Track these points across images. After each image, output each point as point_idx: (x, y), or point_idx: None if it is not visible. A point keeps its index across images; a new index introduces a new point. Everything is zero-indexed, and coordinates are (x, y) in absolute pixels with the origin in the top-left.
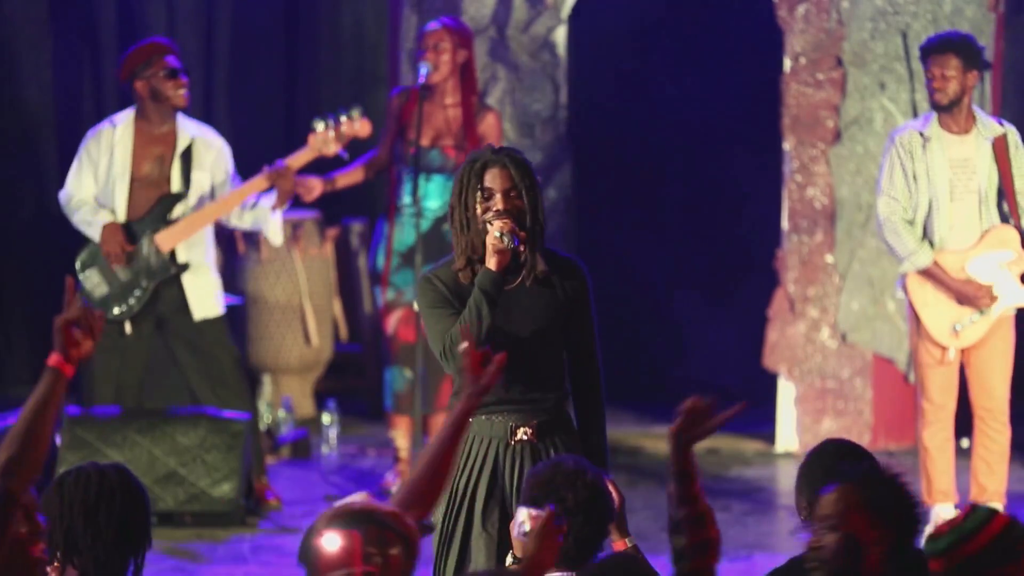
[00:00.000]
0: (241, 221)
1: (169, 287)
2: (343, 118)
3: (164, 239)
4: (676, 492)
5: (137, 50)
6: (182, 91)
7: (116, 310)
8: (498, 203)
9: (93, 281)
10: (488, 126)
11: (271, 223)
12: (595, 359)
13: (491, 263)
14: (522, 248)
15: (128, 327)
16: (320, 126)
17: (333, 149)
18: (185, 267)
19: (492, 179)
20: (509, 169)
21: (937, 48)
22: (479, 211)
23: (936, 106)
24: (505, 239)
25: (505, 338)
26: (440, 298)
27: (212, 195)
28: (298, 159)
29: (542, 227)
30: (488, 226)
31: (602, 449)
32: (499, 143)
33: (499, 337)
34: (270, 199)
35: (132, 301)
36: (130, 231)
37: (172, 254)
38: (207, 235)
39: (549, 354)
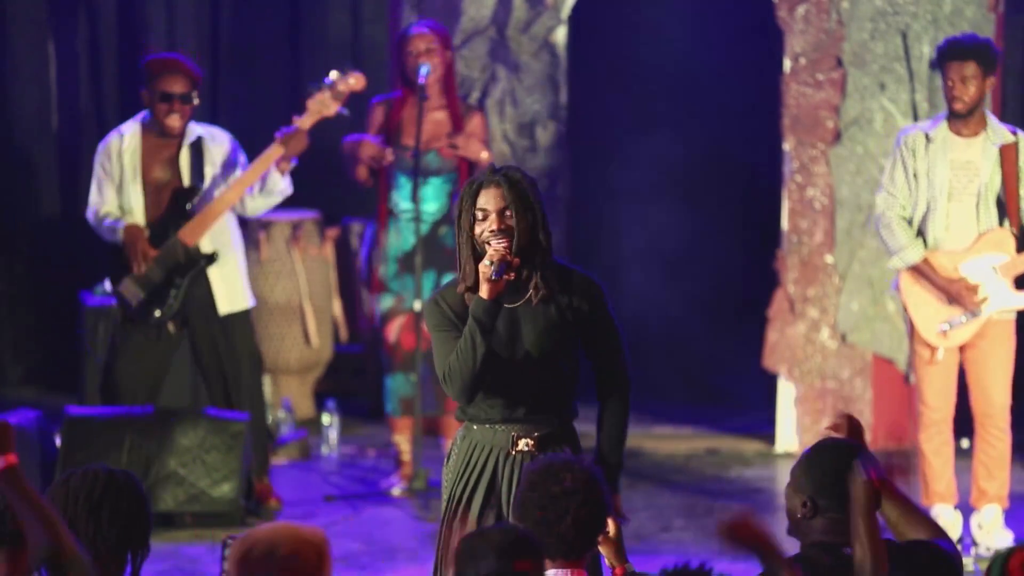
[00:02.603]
0: (255, 204)
1: (198, 282)
2: (336, 76)
3: (188, 233)
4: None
5: (151, 61)
6: (173, 115)
7: (157, 312)
8: (492, 223)
9: (130, 290)
10: (475, 126)
11: (280, 181)
12: (618, 374)
13: (482, 291)
14: (508, 277)
15: (172, 327)
16: (315, 90)
17: (333, 109)
18: (214, 257)
19: (486, 200)
20: (502, 188)
21: (957, 54)
22: (476, 232)
23: (955, 113)
24: (491, 268)
25: (508, 357)
26: (445, 321)
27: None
28: (305, 122)
29: (545, 245)
30: (486, 247)
31: (613, 465)
32: (485, 141)
33: (502, 356)
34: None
35: (171, 300)
36: (154, 233)
37: (198, 247)
38: (232, 226)
39: (554, 374)
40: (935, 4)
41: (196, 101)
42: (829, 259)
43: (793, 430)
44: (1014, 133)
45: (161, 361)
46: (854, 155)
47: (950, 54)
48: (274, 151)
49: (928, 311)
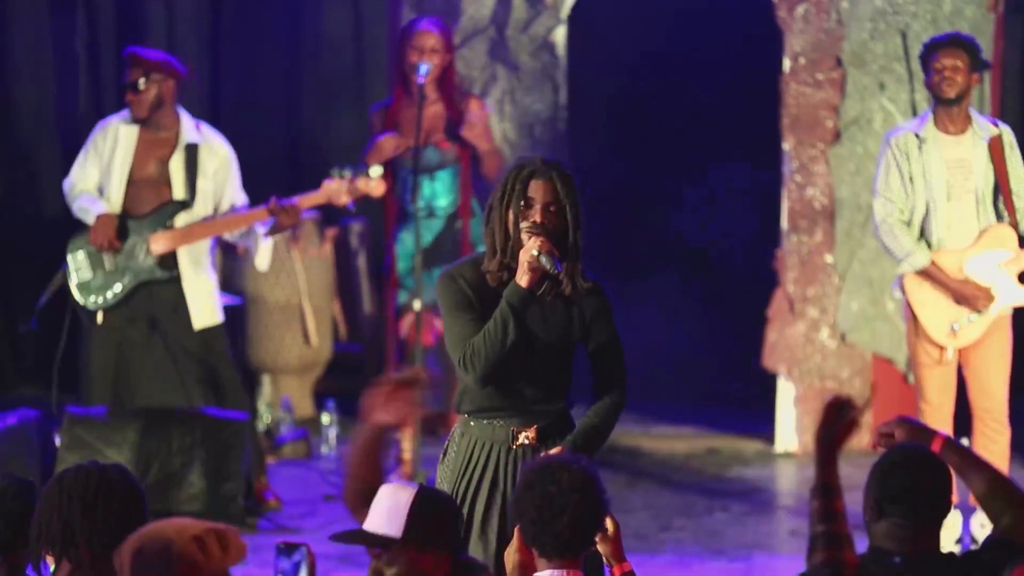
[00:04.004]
0: (232, 236)
1: (166, 290)
2: (361, 175)
3: (157, 241)
4: (818, 508)
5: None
6: (132, 105)
7: (92, 298)
8: (536, 215)
9: (79, 263)
10: (473, 112)
11: (261, 248)
12: (615, 385)
13: (523, 280)
14: (560, 273)
15: (100, 317)
16: (336, 175)
17: (344, 200)
18: (172, 273)
19: (535, 190)
20: (555, 183)
21: (948, 43)
22: (517, 219)
23: (942, 99)
24: (544, 260)
25: (515, 346)
26: (463, 300)
27: (216, 203)
28: (308, 200)
29: (579, 247)
30: (523, 236)
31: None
32: (485, 127)
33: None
34: (264, 226)
35: (109, 295)
36: (127, 227)
37: (162, 258)
38: (210, 244)
39: (557, 367)
40: (935, 4)
41: (145, 88)
42: (829, 259)
43: (793, 430)
44: (996, 125)
45: (133, 357)
46: (854, 155)
47: (940, 44)
48: (260, 214)
49: (935, 311)
